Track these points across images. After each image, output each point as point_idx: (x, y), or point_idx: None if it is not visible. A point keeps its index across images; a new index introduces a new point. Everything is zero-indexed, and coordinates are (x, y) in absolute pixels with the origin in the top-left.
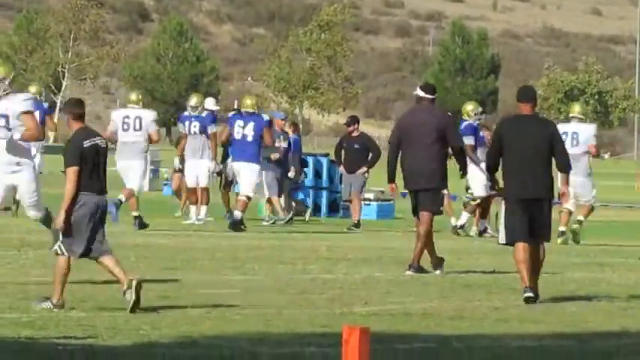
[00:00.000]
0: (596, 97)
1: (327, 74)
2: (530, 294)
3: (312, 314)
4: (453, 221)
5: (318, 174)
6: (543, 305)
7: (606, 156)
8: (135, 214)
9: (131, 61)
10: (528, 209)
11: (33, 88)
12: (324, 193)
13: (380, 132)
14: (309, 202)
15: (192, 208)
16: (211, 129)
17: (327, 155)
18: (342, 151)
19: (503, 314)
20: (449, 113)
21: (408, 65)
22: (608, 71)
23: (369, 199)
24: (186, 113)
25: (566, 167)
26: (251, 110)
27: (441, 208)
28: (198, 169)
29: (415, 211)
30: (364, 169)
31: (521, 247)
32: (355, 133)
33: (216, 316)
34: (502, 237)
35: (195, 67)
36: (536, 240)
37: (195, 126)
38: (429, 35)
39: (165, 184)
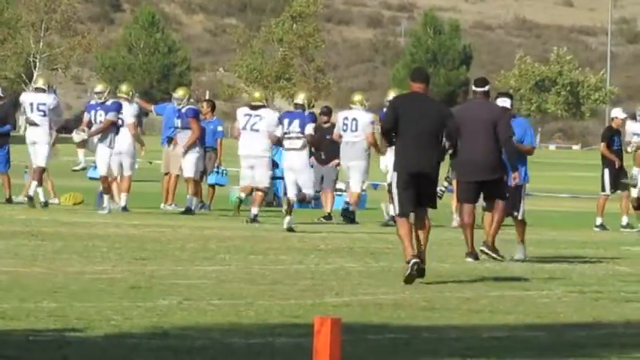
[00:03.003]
0: (568, 88)
1: (299, 65)
2: (417, 260)
3: (284, 305)
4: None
5: None
6: (514, 296)
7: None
8: (352, 208)
9: (103, 51)
10: (415, 182)
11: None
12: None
13: None
14: (280, 192)
15: (107, 197)
16: (112, 116)
17: None
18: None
19: (474, 305)
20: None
21: (379, 56)
22: (579, 62)
23: (341, 190)
24: (92, 102)
25: (454, 145)
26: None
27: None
28: (113, 160)
29: (462, 200)
30: (336, 161)
31: (405, 222)
32: (327, 124)
33: (187, 306)
34: (395, 209)
35: (167, 58)
36: (423, 207)
37: (101, 115)
38: (401, 26)
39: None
